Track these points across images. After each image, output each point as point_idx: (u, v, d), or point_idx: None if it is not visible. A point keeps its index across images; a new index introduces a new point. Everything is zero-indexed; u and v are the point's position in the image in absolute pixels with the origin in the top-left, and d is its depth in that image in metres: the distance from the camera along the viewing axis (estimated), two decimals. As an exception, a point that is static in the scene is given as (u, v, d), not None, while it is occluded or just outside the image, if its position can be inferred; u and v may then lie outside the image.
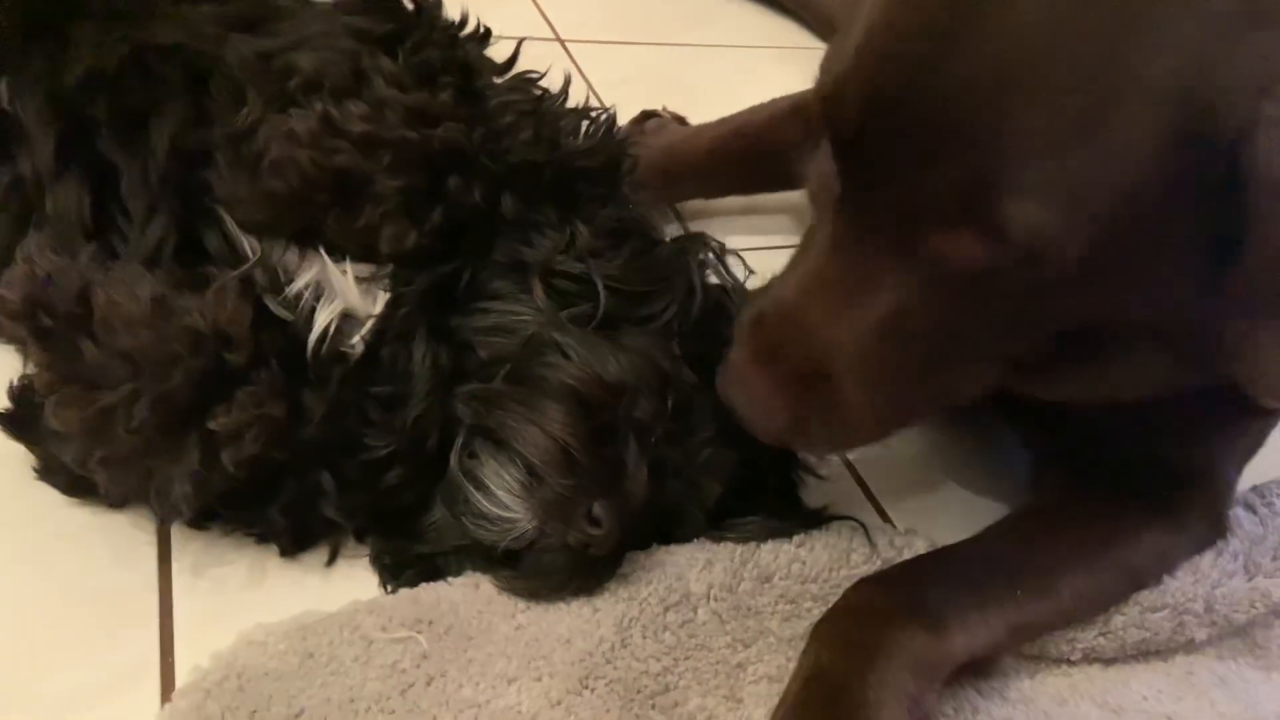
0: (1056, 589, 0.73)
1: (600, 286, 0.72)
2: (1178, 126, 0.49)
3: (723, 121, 1.14)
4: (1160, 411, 0.71)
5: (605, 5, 1.58)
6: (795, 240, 1.13)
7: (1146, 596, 0.76)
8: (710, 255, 0.81)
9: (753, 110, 1.13)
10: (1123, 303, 0.59)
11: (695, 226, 1.08)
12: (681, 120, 1.22)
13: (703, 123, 1.16)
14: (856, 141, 0.56)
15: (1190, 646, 0.78)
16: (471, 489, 0.69)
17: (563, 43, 1.41)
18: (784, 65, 1.51)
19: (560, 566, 0.69)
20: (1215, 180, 0.50)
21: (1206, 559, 0.78)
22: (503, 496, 0.68)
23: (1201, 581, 0.77)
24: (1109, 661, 0.77)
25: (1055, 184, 0.50)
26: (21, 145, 0.73)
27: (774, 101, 1.12)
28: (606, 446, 0.67)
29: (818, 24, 1.65)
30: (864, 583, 0.70)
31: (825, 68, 0.57)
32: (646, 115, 1.21)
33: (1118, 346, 0.65)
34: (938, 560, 0.74)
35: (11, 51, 0.75)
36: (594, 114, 0.82)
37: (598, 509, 0.66)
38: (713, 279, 0.81)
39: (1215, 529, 0.80)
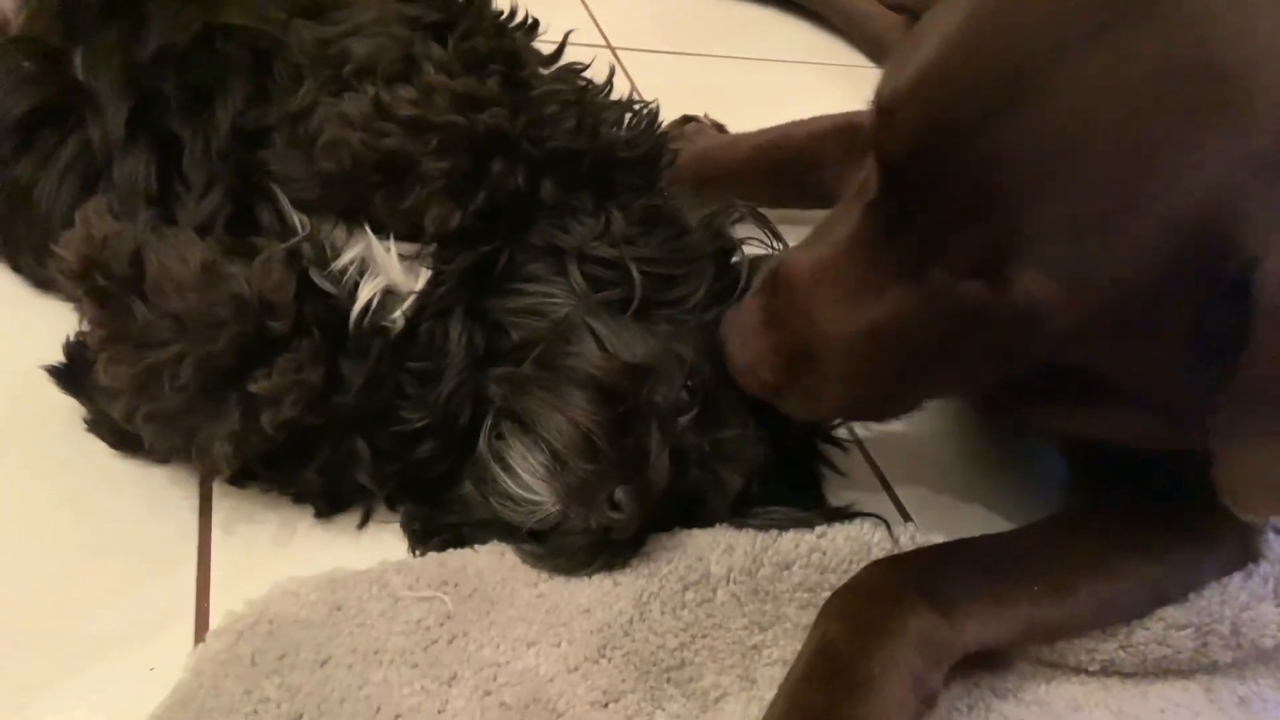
0: (1075, 591, 0.72)
1: (635, 271, 0.74)
2: (1195, 242, 0.52)
3: (762, 132, 1.15)
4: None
5: (656, 15, 1.60)
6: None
7: (1171, 613, 0.75)
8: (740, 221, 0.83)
9: (793, 124, 1.14)
10: (1110, 371, 0.63)
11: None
12: (720, 127, 1.23)
13: (742, 132, 1.18)
14: (898, 167, 0.59)
15: (1213, 668, 0.78)
16: (499, 470, 0.71)
17: (612, 49, 1.44)
18: (829, 81, 1.53)
19: (582, 548, 0.71)
20: (1220, 295, 0.53)
21: (1235, 581, 0.77)
22: (528, 479, 0.70)
23: (1229, 603, 0.76)
24: (1127, 675, 0.76)
25: (1066, 264, 0.54)
26: (91, 113, 0.76)
27: (815, 119, 1.13)
28: (629, 434, 0.69)
29: (865, 43, 1.65)
30: (878, 564, 0.71)
31: (887, 76, 0.60)
32: (686, 119, 1.23)
33: (1108, 398, 0.67)
34: (955, 549, 0.74)
35: (88, 25, 0.78)
36: (637, 107, 0.84)
37: (620, 494, 0.68)
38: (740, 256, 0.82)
39: (1247, 551, 0.79)
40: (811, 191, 1.11)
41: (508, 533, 0.73)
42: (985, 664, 0.73)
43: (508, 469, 0.70)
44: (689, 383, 0.73)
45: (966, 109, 0.54)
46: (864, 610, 0.66)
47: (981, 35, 0.55)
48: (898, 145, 0.59)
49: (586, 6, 1.54)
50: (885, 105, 0.59)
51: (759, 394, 0.70)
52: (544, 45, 0.86)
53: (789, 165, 1.11)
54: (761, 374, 0.68)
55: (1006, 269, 0.54)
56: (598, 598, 0.70)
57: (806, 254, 0.67)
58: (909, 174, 0.58)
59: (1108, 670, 0.76)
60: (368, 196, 0.72)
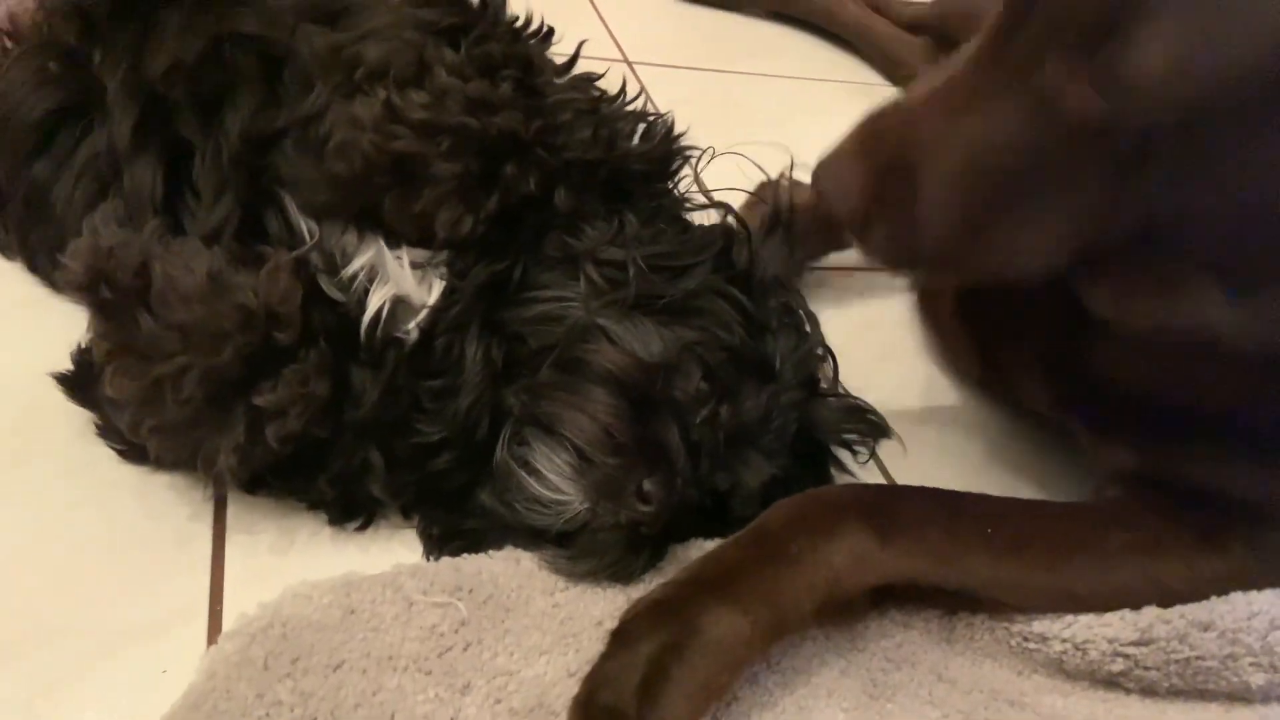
0: (1055, 565, 0.74)
1: (631, 271, 0.74)
2: None
3: None
4: (1236, 441, 0.73)
5: (674, 31, 1.61)
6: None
7: (1191, 611, 0.73)
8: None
9: None
10: (1193, 204, 0.61)
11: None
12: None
13: None
14: None
15: (1236, 692, 0.75)
16: (524, 474, 0.70)
17: (630, 64, 1.45)
18: (847, 99, 1.52)
19: (614, 544, 0.71)
20: None
21: (1265, 596, 0.74)
22: (555, 480, 0.69)
23: (1259, 616, 0.73)
24: (1146, 691, 0.75)
25: (1174, 44, 0.54)
26: (104, 117, 0.76)
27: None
28: (649, 425, 0.69)
29: (884, 63, 1.66)
30: (837, 485, 0.73)
31: None
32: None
33: (1182, 271, 0.66)
34: (924, 493, 0.76)
35: (101, 28, 0.78)
36: (651, 118, 0.83)
37: (648, 485, 0.68)
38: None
39: (1258, 565, 0.76)
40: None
41: (531, 539, 0.73)
42: (1001, 675, 0.74)
43: (533, 472, 0.70)
44: (704, 378, 0.73)
45: None
46: (804, 508, 0.69)
47: None
48: None
49: (603, 21, 1.55)
50: None
51: (848, 224, 0.68)
52: (559, 59, 0.86)
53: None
54: (853, 194, 0.66)
55: (1119, 35, 0.55)
56: (610, 610, 0.70)
57: (917, 84, 0.67)
58: None
59: (1129, 674, 0.74)
60: (378, 199, 0.71)
